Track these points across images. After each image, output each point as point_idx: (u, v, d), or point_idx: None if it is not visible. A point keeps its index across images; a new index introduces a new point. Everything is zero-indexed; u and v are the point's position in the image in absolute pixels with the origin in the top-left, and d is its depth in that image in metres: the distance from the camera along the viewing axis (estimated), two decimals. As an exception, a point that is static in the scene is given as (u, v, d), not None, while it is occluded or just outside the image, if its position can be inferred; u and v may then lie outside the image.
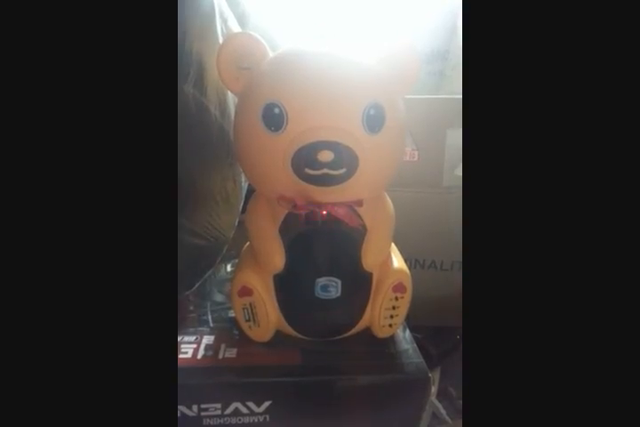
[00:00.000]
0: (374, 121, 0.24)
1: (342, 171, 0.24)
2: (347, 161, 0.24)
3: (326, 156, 0.23)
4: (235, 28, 0.37)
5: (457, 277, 0.49)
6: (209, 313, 0.35)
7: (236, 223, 0.41)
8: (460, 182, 0.45)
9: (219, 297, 0.39)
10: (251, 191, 0.31)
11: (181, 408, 0.27)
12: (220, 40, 0.32)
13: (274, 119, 0.24)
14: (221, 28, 0.33)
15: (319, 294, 0.29)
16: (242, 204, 0.41)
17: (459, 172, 0.47)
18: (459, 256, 0.49)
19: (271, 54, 0.26)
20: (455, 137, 0.46)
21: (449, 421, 0.42)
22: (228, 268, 0.45)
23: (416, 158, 0.47)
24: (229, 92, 0.34)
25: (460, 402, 0.43)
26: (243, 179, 0.40)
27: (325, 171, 0.23)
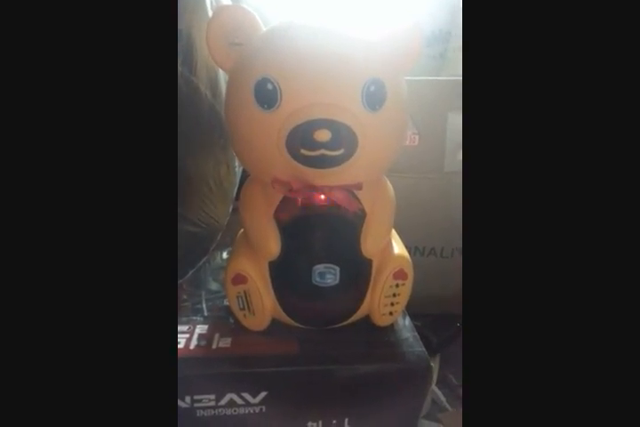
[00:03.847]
0: (375, 98, 0.23)
1: (340, 151, 0.22)
2: (345, 141, 0.22)
3: (323, 135, 0.22)
4: (225, 0, 0.35)
5: (457, 264, 0.48)
6: (203, 302, 0.34)
7: (231, 210, 0.40)
8: (461, 168, 0.43)
9: (213, 285, 0.38)
10: (245, 177, 0.30)
11: (174, 400, 0.26)
12: (210, 14, 0.31)
13: (267, 96, 0.22)
14: (211, 1, 0.31)
15: (317, 281, 0.28)
16: (236, 190, 0.40)
17: (460, 157, 0.45)
18: (459, 243, 0.48)
19: (264, 29, 0.25)
20: (457, 120, 0.44)
21: (449, 408, 0.41)
22: (223, 255, 0.44)
23: (416, 143, 0.45)
24: (220, 70, 0.33)
25: (461, 390, 0.43)
26: (237, 164, 0.39)
27: (322, 151, 0.22)
